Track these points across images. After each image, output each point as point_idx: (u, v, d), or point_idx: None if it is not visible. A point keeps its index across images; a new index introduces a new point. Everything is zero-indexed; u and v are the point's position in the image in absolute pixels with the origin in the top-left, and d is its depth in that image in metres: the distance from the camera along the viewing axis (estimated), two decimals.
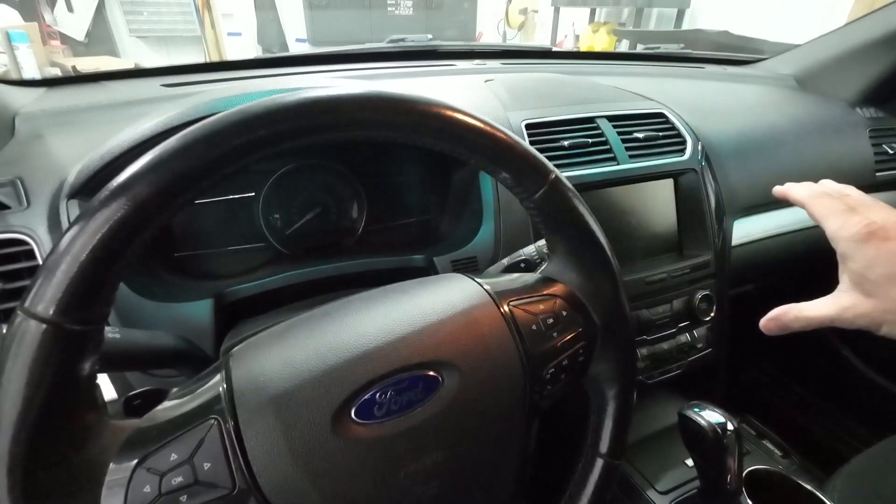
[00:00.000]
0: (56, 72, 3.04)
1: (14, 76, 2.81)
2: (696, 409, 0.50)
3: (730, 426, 0.48)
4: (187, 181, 0.25)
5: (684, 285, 0.72)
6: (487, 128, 0.31)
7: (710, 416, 0.49)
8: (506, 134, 0.32)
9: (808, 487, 0.51)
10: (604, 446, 0.38)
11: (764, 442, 0.78)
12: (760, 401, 1.27)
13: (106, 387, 0.46)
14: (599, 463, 0.38)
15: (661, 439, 0.70)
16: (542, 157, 0.34)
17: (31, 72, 2.85)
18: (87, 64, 3.15)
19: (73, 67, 2.98)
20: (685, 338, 0.72)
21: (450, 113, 0.30)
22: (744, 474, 0.50)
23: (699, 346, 0.73)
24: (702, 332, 0.74)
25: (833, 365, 1.14)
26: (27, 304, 0.23)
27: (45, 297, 0.22)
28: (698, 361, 0.74)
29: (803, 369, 1.21)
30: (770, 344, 1.23)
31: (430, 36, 1.06)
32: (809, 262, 0.96)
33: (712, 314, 0.73)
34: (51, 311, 0.22)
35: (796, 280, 1.08)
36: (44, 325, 0.22)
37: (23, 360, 0.22)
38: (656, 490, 0.62)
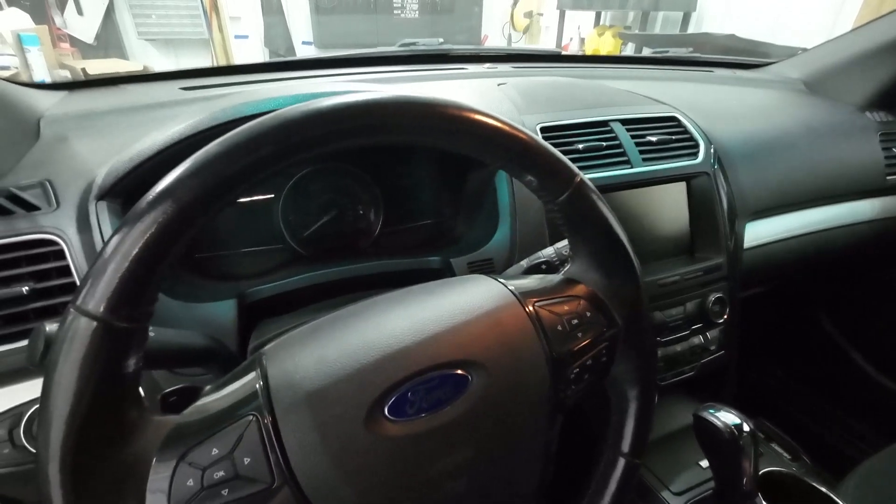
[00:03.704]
0: (66, 74, 3.07)
1: (25, 78, 2.84)
2: (711, 411, 0.50)
3: (746, 427, 0.49)
4: (227, 184, 0.25)
5: (697, 287, 0.72)
6: (515, 132, 0.32)
7: (726, 418, 0.49)
8: (533, 138, 0.33)
9: (823, 490, 0.51)
10: (626, 445, 0.38)
11: (773, 444, 0.78)
12: (770, 403, 1.27)
13: None
14: (621, 462, 0.38)
15: (675, 440, 0.71)
16: (567, 160, 0.35)
17: (41, 74, 2.88)
18: (97, 66, 3.18)
19: (83, 70, 3.01)
20: (698, 340, 0.73)
21: (479, 117, 0.31)
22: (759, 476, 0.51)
23: (712, 347, 0.73)
24: (714, 334, 0.74)
25: (843, 368, 1.14)
26: (79, 301, 0.23)
27: (96, 295, 0.23)
28: (711, 363, 0.74)
29: (813, 372, 1.21)
30: (780, 347, 1.24)
31: (441, 40, 1.07)
32: (820, 265, 0.96)
33: (725, 316, 0.74)
34: (101, 309, 0.23)
35: (807, 283, 1.09)
36: (94, 323, 0.23)
37: (74, 356, 0.23)
38: (671, 491, 0.63)
